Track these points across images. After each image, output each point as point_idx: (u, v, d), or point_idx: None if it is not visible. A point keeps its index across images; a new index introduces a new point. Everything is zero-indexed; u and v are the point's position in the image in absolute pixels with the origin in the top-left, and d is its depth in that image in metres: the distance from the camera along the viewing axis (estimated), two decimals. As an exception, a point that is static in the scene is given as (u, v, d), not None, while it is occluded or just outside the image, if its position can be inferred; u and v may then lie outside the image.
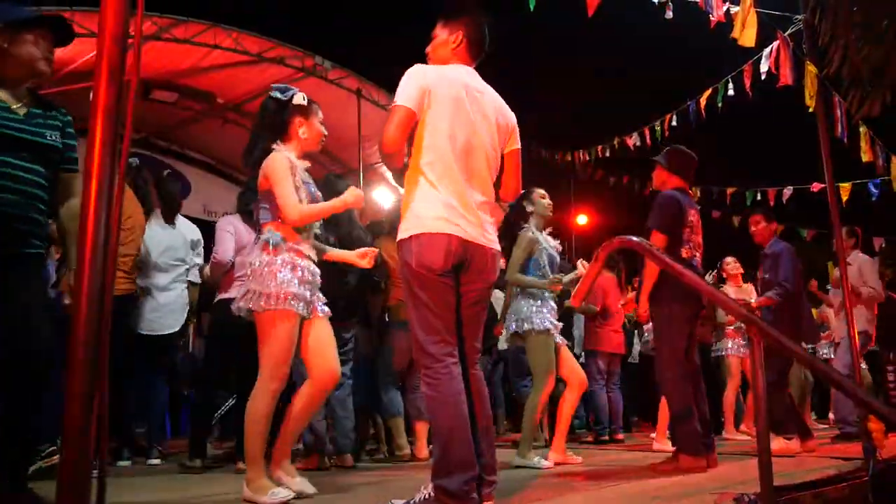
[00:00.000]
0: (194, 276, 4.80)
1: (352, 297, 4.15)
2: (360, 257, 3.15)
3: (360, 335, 4.55)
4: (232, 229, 4.05)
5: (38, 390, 2.32)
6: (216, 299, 4.18)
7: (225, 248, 4.00)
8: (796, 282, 4.80)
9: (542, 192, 4.39)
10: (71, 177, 2.53)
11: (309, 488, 2.85)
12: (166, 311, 4.58)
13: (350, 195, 2.93)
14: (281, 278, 2.74)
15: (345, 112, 11.15)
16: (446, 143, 2.40)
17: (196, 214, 10.69)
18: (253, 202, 4.05)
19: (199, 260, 4.87)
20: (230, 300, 3.88)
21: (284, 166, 2.82)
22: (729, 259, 6.53)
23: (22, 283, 2.32)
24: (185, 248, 4.74)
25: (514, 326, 4.18)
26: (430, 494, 2.31)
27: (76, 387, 1.14)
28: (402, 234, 2.40)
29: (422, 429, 4.57)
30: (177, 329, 4.69)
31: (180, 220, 4.82)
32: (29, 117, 2.38)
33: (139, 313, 4.48)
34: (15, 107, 2.37)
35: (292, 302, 2.74)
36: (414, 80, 2.42)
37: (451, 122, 2.41)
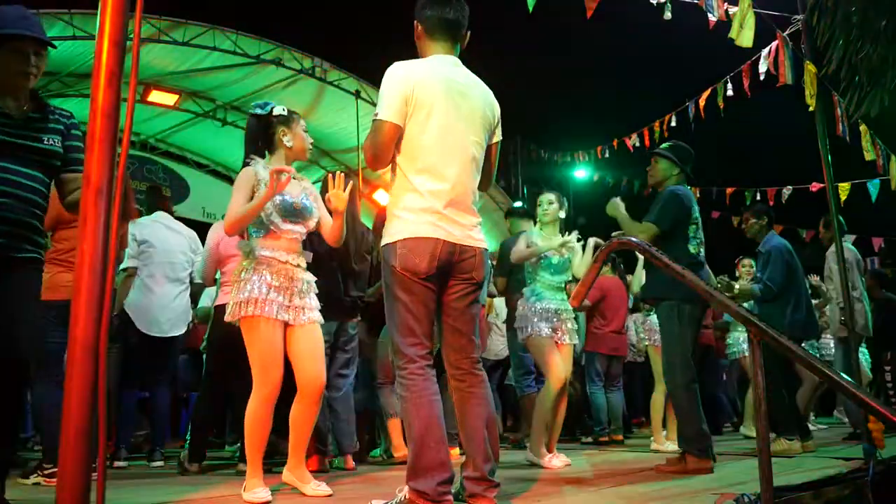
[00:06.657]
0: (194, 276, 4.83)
1: (357, 296, 4.18)
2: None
3: (362, 336, 4.55)
4: (216, 237, 4.14)
5: (19, 397, 2.35)
6: (215, 304, 4.21)
7: (207, 262, 4.18)
8: (790, 280, 4.76)
9: (548, 197, 4.36)
10: (76, 176, 2.46)
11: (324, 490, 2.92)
12: (170, 314, 4.58)
13: (265, 182, 2.81)
14: (251, 286, 2.80)
15: (343, 113, 11.15)
16: (430, 147, 2.37)
17: (195, 216, 10.72)
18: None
19: (199, 260, 4.89)
20: (224, 305, 4.03)
21: (243, 179, 2.88)
22: (746, 261, 6.41)
23: (14, 288, 2.30)
24: (189, 252, 4.75)
25: (520, 335, 4.26)
26: (406, 496, 2.30)
27: (75, 387, 1.14)
28: (388, 238, 2.39)
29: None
30: (179, 333, 4.69)
31: (181, 224, 4.83)
32: (27, 122, 2.37)
33: (144, 314, 4.48)
34: (13, 112, 2.36)
35: (265, 308, 2.79)
36: (395, 88, 2.35)
37: (435, 125, 2.37)
